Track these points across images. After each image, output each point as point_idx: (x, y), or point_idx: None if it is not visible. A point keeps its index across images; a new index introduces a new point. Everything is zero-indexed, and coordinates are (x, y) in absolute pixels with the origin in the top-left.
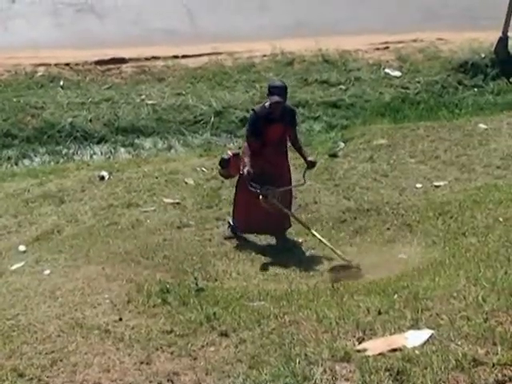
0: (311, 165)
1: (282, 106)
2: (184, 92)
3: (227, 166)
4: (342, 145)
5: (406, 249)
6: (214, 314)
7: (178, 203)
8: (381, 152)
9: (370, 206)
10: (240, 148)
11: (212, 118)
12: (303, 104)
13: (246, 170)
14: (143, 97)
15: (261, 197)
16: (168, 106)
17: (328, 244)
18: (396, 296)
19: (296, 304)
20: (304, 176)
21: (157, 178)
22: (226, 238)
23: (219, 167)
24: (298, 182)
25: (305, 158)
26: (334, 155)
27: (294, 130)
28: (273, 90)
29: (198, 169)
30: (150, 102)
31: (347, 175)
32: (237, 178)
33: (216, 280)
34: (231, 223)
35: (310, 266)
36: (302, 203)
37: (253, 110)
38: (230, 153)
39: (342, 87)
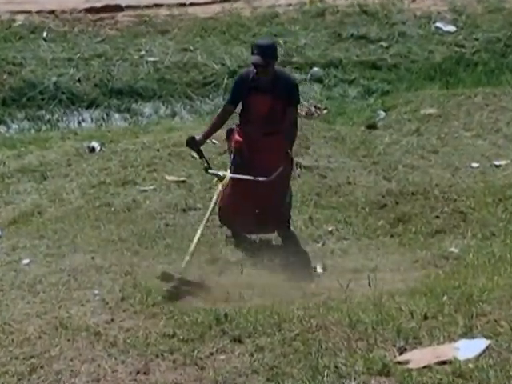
0: (285, 159)
1: (276, 74)
2: (192, 47)
3: (230, 136)
4: (382, 114)
5: (459, 241)
6: (226, 315)
7: (183, 181)
8: (429, 123)
9: (416, 189)
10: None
11: (225, 80)
12: (336, 64)
13: (190, 136)
14: (142, 53)
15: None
16: (172, 64)
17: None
18: (446, 298)
19: (324, 305)
20: (276, 171)
21: (158, 150)
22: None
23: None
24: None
25: (286, 148)
26: (372, 126)
27: (291, 107)
28: (253, 50)
29: (208, 140)
30: (150, 58)
31: (388, 151)
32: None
33: (226, 273)
34: None
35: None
36: (334, 184)
37: (239, 73)
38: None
39: (384, 44)
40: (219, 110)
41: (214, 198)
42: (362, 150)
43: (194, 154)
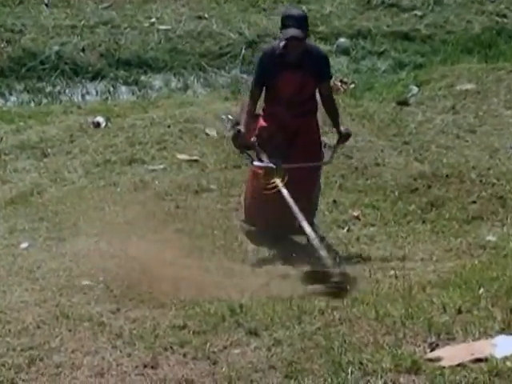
0: (344, 138)
1: (304, 47)
2: (206, 15)
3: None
4: (414, 89)
5: (497, 229)
6: (241, 306)
7: (195, 160)
8: (466, 100)
9: (451, 172)
10: None
11: (243, 50)
12: (364, 34)
13: (237, 129)
14: (153, 20)
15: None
16: (185, 33)
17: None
18: (482, 290)
19: (349, 297)
20: (333, 152)
21: (169, 127)
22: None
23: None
24: (325, 160)
25: (336, 128)
26: (403, 103)
27: (324, 83)
28: (287, 22)
29: (223, 116)
30: (161, 27)
31: (421, 130)
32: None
33: (243, 261)
34: None
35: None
36: (360, 165)
37: (261, 50)
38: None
39: (417, 13)
40: (246, 99)
41: (284, 192)
42: (391, 129)
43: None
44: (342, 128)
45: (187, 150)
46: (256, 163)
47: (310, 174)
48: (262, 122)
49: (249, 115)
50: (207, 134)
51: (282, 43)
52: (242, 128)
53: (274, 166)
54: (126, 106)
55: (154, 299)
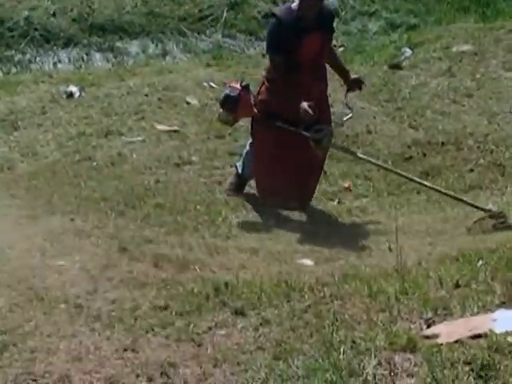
0: (356, 84)
1: (320, 5)
2: None
3: (235, 107)
4: (408, 52)
5: (496, 198)
6: (226, 284)
7: (175, 131)
8: (463, 62)
9: (447, 138)
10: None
11: (225, 13)
12: None
13: (305, 108)
14: None
15: (312, 143)
16: None
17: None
18: (481, 263)
19: (340, 271)
20: (347, 104)
21: (147, 95)
22: (228, 194)
23: (222, 110)
24: (344, 114)
25: (346, 76)
26: (396, 66)
27: (331, 38)
28: None
29: (205, 84)
30: None
31: (415, 95)
32: (250, 121)
33: (228, 238)
34: (239, 171)
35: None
36: (351, 133)
37: (273, 15)
38: (236, 86)
39: None
40: (271, 68)
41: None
42: (384, 94)
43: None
44: (353, 75)
45: (167, 120)
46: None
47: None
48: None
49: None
50: (188, 103)
51: (296, 5)
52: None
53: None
54: (100, 75)
55: (134, 279)
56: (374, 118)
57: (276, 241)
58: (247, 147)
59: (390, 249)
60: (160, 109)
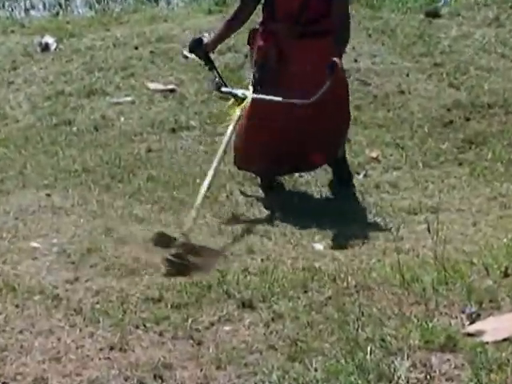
0: (329, 68)
1: None
2: None
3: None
4: None
5: None
6: (231, 271)
7: (171, 91)
8: None
9: (494, 100)
10: None
11: None
12: None
13: (195, 39)
14: None
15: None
16: None
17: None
18: None
19: (367, 257)
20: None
21: (136, 48)
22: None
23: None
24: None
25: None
26: (433, 14)
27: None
28: None
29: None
30: None
31: (455, 48)
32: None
33: (234, 216)
34: None
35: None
36: (380, 93)
37: None
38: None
39: None
40: (236, 4)
41: (230, 128)
42: (419, 47)
43: (201, 62)
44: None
45: (160, 77)
46: (225, 89)
47: (322, 113)
48: (260, 42)
49: (226, 27)
50: (186, 57)
51: None
52: (205, 37)
53: (240, 95)
54: (81, 23)
55: (122, 265)
56: (408, 75)
57: (290, 221)
58: None
59: (428, 230)
60: (152, 64)
